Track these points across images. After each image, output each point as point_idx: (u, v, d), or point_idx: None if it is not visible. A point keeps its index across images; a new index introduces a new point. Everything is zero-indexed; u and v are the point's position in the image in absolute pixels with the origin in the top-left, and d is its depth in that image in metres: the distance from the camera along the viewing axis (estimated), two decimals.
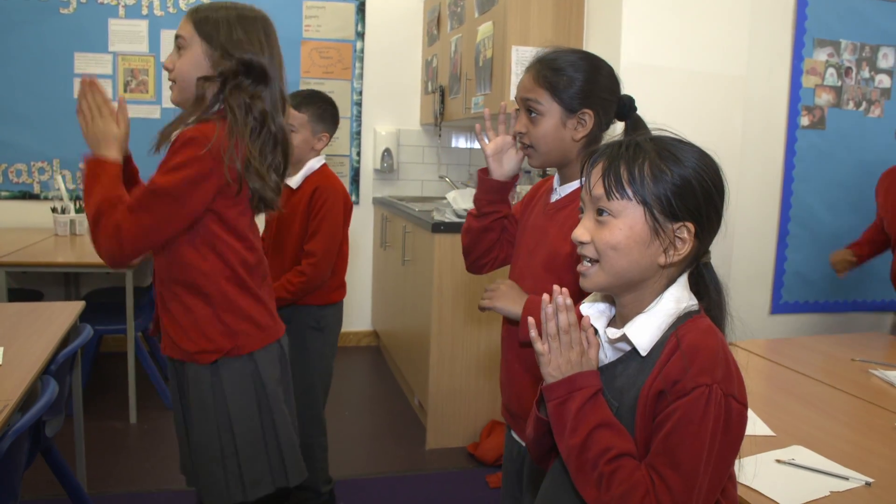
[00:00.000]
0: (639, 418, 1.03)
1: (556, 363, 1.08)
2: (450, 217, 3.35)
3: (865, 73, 3.76)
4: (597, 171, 1.08)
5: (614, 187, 1.05)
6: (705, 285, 1.11)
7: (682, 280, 1.09)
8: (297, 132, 2.39)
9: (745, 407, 1.02)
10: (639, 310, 1.09)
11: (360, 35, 4.78)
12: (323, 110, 2.48)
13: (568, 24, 3.35)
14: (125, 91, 4.43)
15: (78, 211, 4.06)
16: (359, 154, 4.88)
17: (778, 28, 3.57)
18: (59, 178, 4.18)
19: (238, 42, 1.60)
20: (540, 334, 1.11)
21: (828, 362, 2.18)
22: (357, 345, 5.02)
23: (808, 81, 3.65)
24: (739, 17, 3.09)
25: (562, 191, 1.63)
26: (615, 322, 1.15)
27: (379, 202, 4.76)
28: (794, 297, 3.59)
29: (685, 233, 1.05)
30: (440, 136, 4.87)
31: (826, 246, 3.31)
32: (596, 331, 1.13)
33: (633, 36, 2.99)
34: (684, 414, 0.97)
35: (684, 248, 1.05)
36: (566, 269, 1.56)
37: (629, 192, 1.04)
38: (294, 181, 2.46)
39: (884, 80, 3.74)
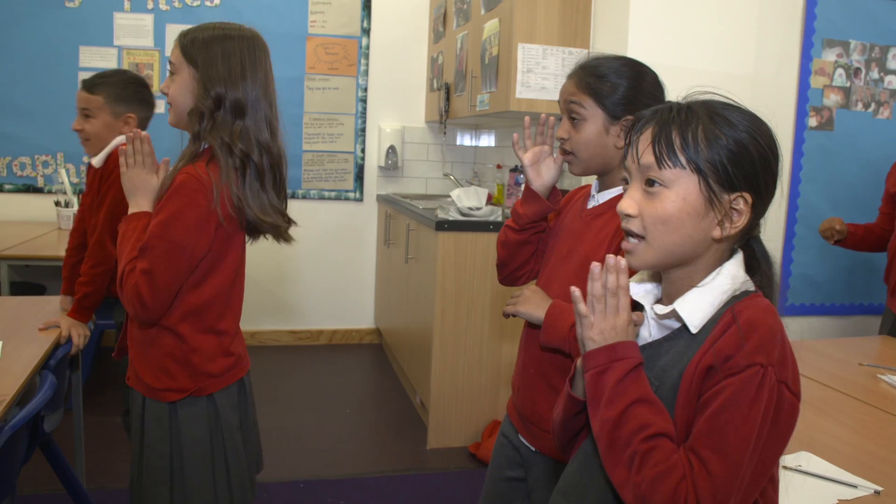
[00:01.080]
0: (681, 396, 0.95)
1: (599, 327, 0.99)
2: (454, 215, 3.33)
3: (875, 74, 3.72)
4: (645, 138, 1.00)
5: (666, 154, 0.97)
6: (756, 259, 1.03)
7: (739, 257, 1.02)
8: (94, 117, 2.30)
9: (798, 399, 0.94)
10: (689, 286, 1.01)
11: (366, 31, 4.76)
12: (122, 90, 2.34)
13: (575, 22, 3.32)
14: None
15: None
16: (363, 151, 4.86)
17: (786, 27, 3.53)
18: (63, 172, 4.17)
19: (216, 74, 1.58)
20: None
21: (835, 366, 2.15)
22: (360, 342, 5.01)
23: (816, 82, 3.62)
24: (747, 16, 3.07)
25: (600, 197, 1.60)
26: (662, 301, 1.06)
27: (383, 199, 4.74)
28: (800, 300, 3.56)
29: (741, 203, 0.98)
30: (445, 133, 4.84)
31: (833, 248, 3.28)
32: (642, 307, 1.07)
33: (640, 34, 2.96)
34: (734, 393, 0.89)
35: (741, 221, 0.98)
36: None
37: (682, 159, 0.97)
38: (97, 160, 2.34)
39: (893, 82, 3.71)
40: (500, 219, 3.35)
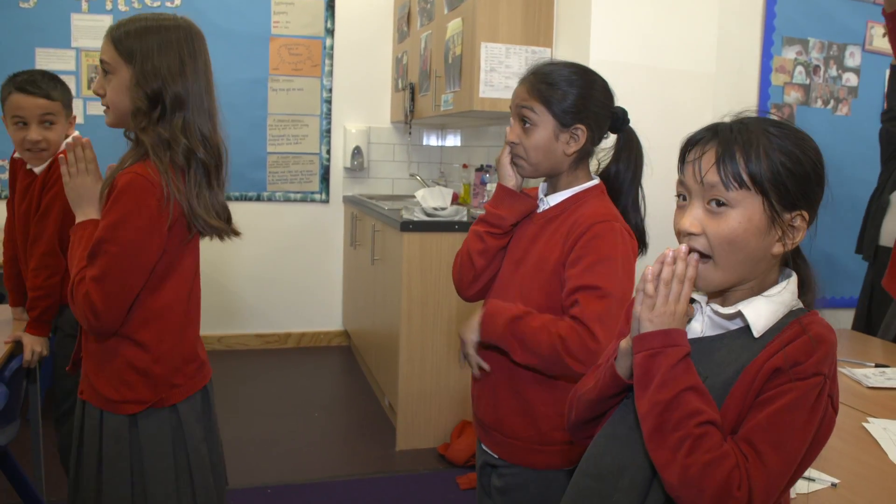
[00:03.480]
0: (738, 391, 0.99)
1: (659, 311, 1.01)
2: (419, 216, 3.31)
3: (833, 72, 3.78)
4: (709, 157, 1.01)
5: (732, 176, 0.99)
6: (808, 280, 1.08)
7: (795, 276, 1.07)
8: (56, 124, 2.18)
9: (836, 413, 1.00)
10: (747, 292, 1.05)
11: (330, 31, 4.73)
12: (67, 90, 2.24)
13: (537, 21, 3.32)
14: (88, 88, 4.33)
15: None
16: (329, 152, 4.82)
17: (747, 26, 3.57)
18: None
19: (153, 69, 1.52)
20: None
21: None
22: (328, 345, 4.97)
23: (777, 79, 3.67)
24: (708, 15, 3.09)
25: (550, 200, 1.61)
26: (716, 300, 1.09)
27: (349, 200, 4.71)
28: None
29: (799, 220, 1.02)
30: (411, 133, 4.83)
31: (838, 240, 3.32)
32: (694, 301, 1.09)
33: (602, 33, 2.97)
34: (799, 397, 0.94)
35: (799, 237, 1.02)
36: (554, 276, 1.54)
37: (748, 180, 0.99)
38: (40, 168, 2.22)
39: (851, 79, 3.77)
40: (465, 219, 3.35)
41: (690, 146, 1.06)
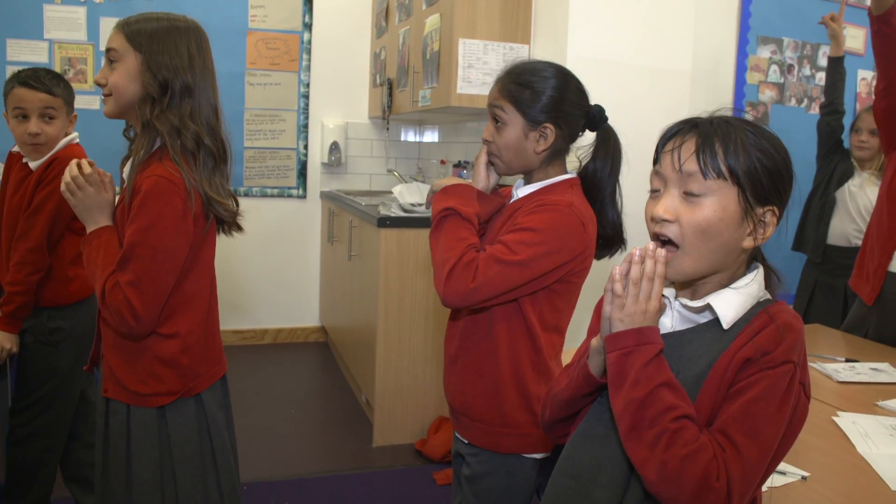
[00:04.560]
0: (711, 384, 1.00)
1: (629, 310, 1.02)
2: (396, 212, 3.31)
3: (807, 71, 3.83)
4: (689, 147, 1.03)
5: (710, 165, 1.01)
6: (771, 272, 1.11)
7: (761, 269, 1.09)
8: (56, 119, 2.18)
9: (809, 401, 1.02)
10: (716, 285, 1.06)
11: (308, 26, 4.70)
12: (69, 88, 2.25)
13: (516, 17, 3.33)
14: None
15: None
16: (306, 147, 4.80)
17: (723, 24, 3.61)
18: None
19: (164, 61, 1.55)
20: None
21: None
22: (305, 341, 4.95)
23: (752, 78, 3.70)
24: (685, 13, 3.11)
25: (520, 193, 1.63)
26: (684, 293, 1.11)
27: (326, 196, 4.69)
28: None
29: (770, 216, 1.04)
30: (388, 129, 4.81)
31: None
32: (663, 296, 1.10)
33: (580, 30, 2.98)
34: (770, 385, 0.96)
35: (769, 232, 1.05)
36: None
37: (725, 170, 1.01)
38: (37, 163, 2.19)
39: (824, 78, 3.81)
40: None
41: (669, 137, 1.09)
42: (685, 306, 1.09)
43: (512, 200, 1.64)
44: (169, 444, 1.63)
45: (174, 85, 1.55)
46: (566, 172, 1.63)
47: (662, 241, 1.05)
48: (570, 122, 1.58)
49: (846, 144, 3.24)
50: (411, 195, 3.37)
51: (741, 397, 0.97)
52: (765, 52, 3.74)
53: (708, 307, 1.06)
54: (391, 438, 3.31)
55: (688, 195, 1.03)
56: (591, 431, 1.14)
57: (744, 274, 1.08)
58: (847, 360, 2.14)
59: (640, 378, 0.99)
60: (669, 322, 1.10)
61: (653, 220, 1.06)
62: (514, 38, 3.34)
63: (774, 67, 3.77)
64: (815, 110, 3.74)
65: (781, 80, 3.79)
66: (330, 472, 3.03)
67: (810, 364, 2.07)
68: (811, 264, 3.27)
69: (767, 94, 3.74)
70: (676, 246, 1.04)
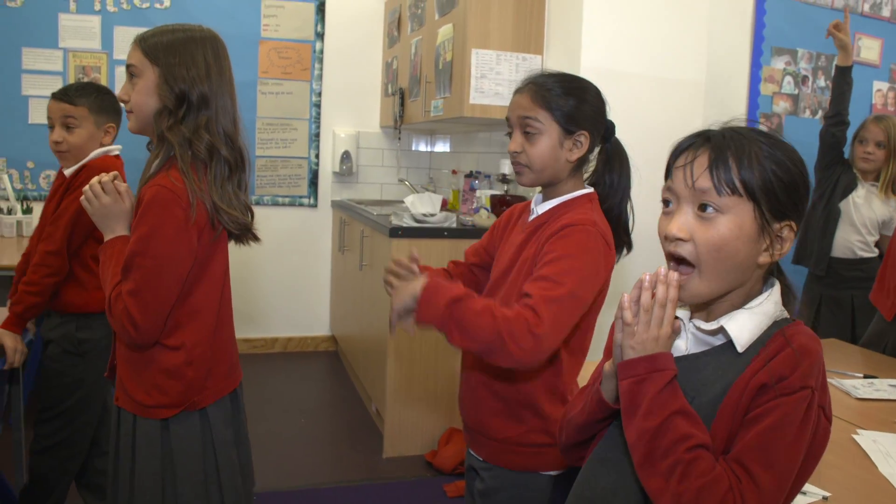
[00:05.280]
0: (726, 410, 0.97)
1: (640, 338, 0.99)
2: (408, 222, 3.30)
3: (821, 82, 3.80)
4: (701, 162, 1.00)
5: (725, 181, 0.97)
6: (788, 289, 1.08)
7: (778, 285, 1.06)
8: (80, 127, 2.23)
9: (830, 424, 0.99)
10: (730, 306, 1.03)
11: (320, 35, 4.71)
12: (102, 100, 2.30)
13: (528, 27, 3.32)
14: None
15: (25, 212, 3.92)
16: (317, 156, 4.80)
17: (737, 35, 3.59)
18: (6, 178, 4.03)
19: (181, 73, 1.56)
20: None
21: None
22: (315, 350, 4.94)
23: (766, 89, 3.68)
24: (699, 24, 3.10)
25: (539, 209, 1.62)
26: (699, 314, 1.07)
27: (338, 205, 4.69)
28: None
29: (787, 231, 1.01)
30: (400, 138, 4.82)
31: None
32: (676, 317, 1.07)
33: (594, 41, 2.97)
34: (787, 413, 0.93)
35: (785, 247, 1.01)
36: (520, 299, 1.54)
37: (740, 186, 0.97)
38: (71, 170, 2.26)
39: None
40: (454, 225, 3.33)
41: (680, 151, 1.05)
42: (699, 329, 1.06)
43: (532, 217, 1.63)
44: (172, 458, 1.62)
45: (191, 96, 1.56)
46: (584, 186, 1.63)
47: (676, 259, 1.02)
48: (597, 131, 1.60)
49: (846, 155, 3.20)
50: (423, 205, 3.36)
51: (757, 425, 0.94)
52: (779, 64, 3.72)
53: (722, 329, 1.03)
54: (401, 449, 3.29)
55: (702, 212, 1.00)
56: (607, 456, 1.12)
57: (759, 291, 1.05)
58: (866, 377, 2.11)
59: (653, 407, 0.96)
60: (684, 345, 1.07)
61: (666, 238, 1.03)
62: (526, 48, 3.33)
63: (788, 78, 3.76)
64: None
65: (796, 92, 3.77)
66: (339, 482, 3.02)
67: (830, 381, 2.05)
68: (814, 278, 3.22)
69: (781, 106, 3.72)
70: (691, 265, 1.01)
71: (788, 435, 0.93)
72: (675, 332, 1.05)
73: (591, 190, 1.62)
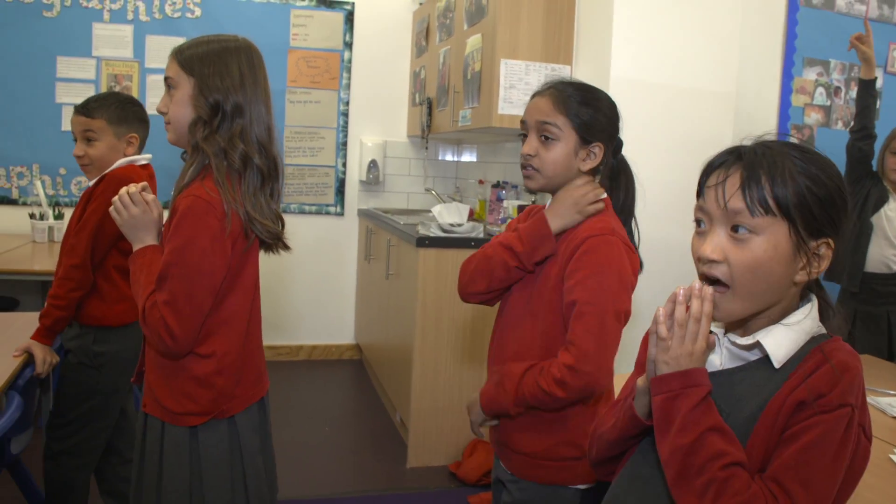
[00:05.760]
0: (762, 427, 0.96)
1: (674, 353, 0.98)
2: (435, 232, 3.29)
3: (853, 93, 3.75)
4: (733, 182, 0.98)
5: (758, 202, 0.96)
6: (827, 305, 1.05)
7: (815, 301, 1.04)
8: (99, 140, 2.23)
9: (870, 442, 0.97)
10: (767, 321, 1.01)
11: (348, 45, 4.74)
12: (122, 110, 2.28)
13: (558, 37, 3.31)
14: None
15: (56, 217, 3.97)
16: (345, 165, 4.82)
17: (769, 46, 3.56)
18: (39, 184, 4.09)
19: (215, 84, 1.57)
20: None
21: None
22: (339, 358, 4.95)
23: (797, 100, 3.64)
24: (730, 35, 3.07)
25: None
26: (735, 329, 1.06)
27: (364, 214, 4.70)
28: None
29: (825, 248, 0.98)
30: (427, 148, 4.82)
31: None
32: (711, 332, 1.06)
33: (624, 51, 2.95)
34: (826, 431, 0.91)
35: (824, 265, 0.99)
36: (556, 292, 1.55)
37: (774, 206, 0.95)
38: (91, 182, 2.26)
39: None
40: (481, 235, 3.33)
41: (712, 170, 1.03)
42: (734, 343, 1.04)
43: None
44: (199, 465, 1.62)
45: (225, 105, 1.57)
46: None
47: (710, 280, 1.00)
48: (610, 144, 1.60)
49: (874, 167, 3.15)
50: (451, 215, 3.35)
51: (795, 443, 0.92)
52: (811, 75, 3.68)
53: (758, 344, 1.01)
54: (425, 460, 3.28)
55: (735, 233, 0.98)
56: (638, 471, 1.10)
57: (797, 307, 1.03)
58: None
59: (687, 423, 0.95)
60: (718, 360, 1.05)
61: (700, 259, 1.01)
62: (556, 58, 3.32)
63: (820, 90, 3.71)
64: None
65: (828, 103, 3.72)
66: (363, 492, 3.01)
67: (868, 399, 2.01)
68: (847, 294, 3.15)
69: (813, 117, 3.67)
70: (726, 286, 0.99)
71: (827, 454, 0.91)
72: (710, 348, 1.03)
73: (604, 195, 1.61)
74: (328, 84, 4.74)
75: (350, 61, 4.75)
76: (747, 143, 1.03)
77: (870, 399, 2.00)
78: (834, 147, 3.50)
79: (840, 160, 3.39)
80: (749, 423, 0.97)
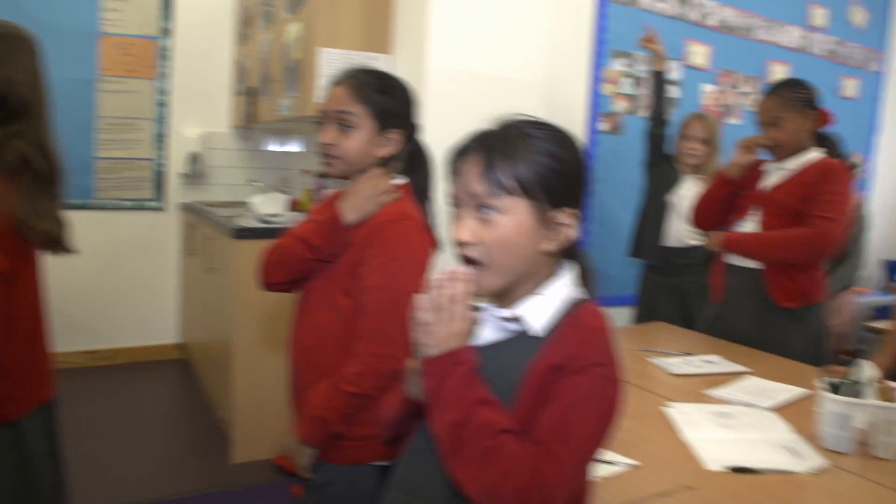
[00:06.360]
0: (524, 393, 1.00)
1: (438, 335, 1.01)
2: (252, 223, 3.21)
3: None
4: (472, 166, 1.03)
5: (497, 184, 1.01)
6: (585, 270, 1.11)
7: (573, 268, 1.09)
8: None
9: (622, 395, 1.03)
10: (526, 292, 1.06)
11: (167, 32, 4.53)
12: None
13: (377, 27, 3.31)
14: None
15: None
16: (164, 158, 4.60)
17: (578, 38, 3.74)
18: None
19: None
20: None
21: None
22: (162, 359, 4.70)
23: (606, 90, 3.85)
24: (541, 26, 3.20)
25: None
26: (499, 303, 1.09)
27: (186, 208, 4.51)
28: (598, 292, 3.74)
29: (567, 218, 1.04)
30: (251, 139, 4.69)
31: (623, 243, 3.48)
32: (476, 307, 1.08)
33: (441, 42, 3.00)
34: (579, 391, 0.97)
35: (569, 233, 1.05)
36: (352, 278, 1.57)
37: (513, 186, 1.01)
38: None
39: (671, 91, 4.01)
40: None
41: (457, 156, 1.07)
42: (498, 317, 1.09)
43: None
44: None
45: (8, 102, 1.47)
46: (394, 177, 1.66)
47: (468, 261, 1.05)
48: (407, 130, 1.65)
49: (669, 151, 3.39)
50: (269, 205, 3.29)
51: (553, 404, 0.98)
52: (618, 66, 3.90)
53: (519, 315, 1.07)
54: (252, 454, 3.20)
55: (482, 215, 1.03)
56: (419, 447, 1.14)
57: (553, 273, 1.08)
58: (684, 354, 2.23)
59: (455, 399, 0.98)
60: (486, 333, 1.10)
61: (456, 243, 1.06)
62: (375, 48, 3.32)
63: (627, 80, 3.94)
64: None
65: (634, 92, 3.96)
66: (185, 493, 2.89)
67: (648, 359, 2.17)
68: (650, 268, 3.39)
69: (621, 105, 3.90)
70: (483, 264, 1.04)
71: (584, 411, 0.97)
72: (474, 325, 1.07)
73: (402, 181, 1.65)
74: (145, 73, 4.50)
75: (168, 49, 4.54)
76: (490, 126, 1.07)
77: (656, 360, 2.15)
78: (640, 132, 3.75)
79: (644, 145, 3.62)
80: (514, 390, 1.02)
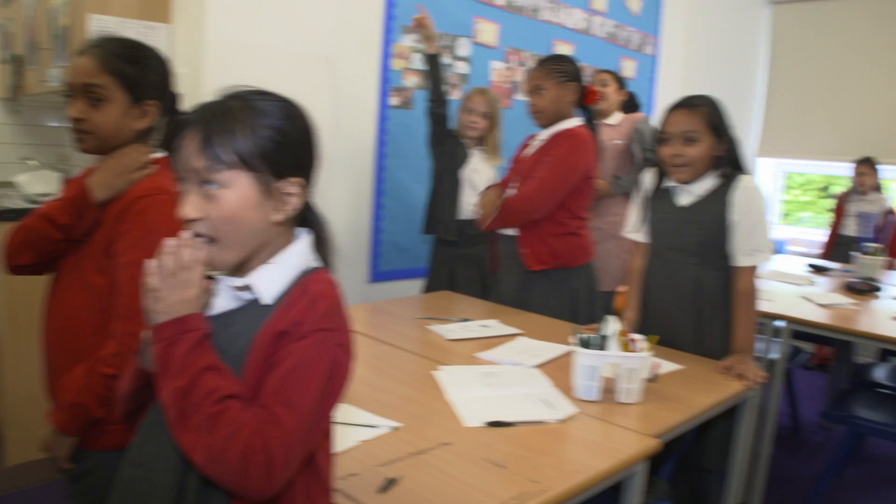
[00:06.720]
0: (252, 359, 1.01)
1: (168, 301, 1.00)
2: (18, 203, 2.97)
3: (447, 60, 4.11)
4: (191, 142, 1.00)
5: (216, 159, 0.99)
6: (321, 238, 1.12)
7: (308, 237, 1.10)
8: None
9: (350, 359, 1.05)
10: (260, 262, 1.07)
11: None
12: None
13: None
14: None
15: None
16: None
17: (367, 13, 3.74)
18: None
19: None
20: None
21: (396, 323, 2.33)
22: None
23: (396, 65, 3.89)
24: (328, 1, 3.17)
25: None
26: (234, 272, 1.08)
27: None
28: (390, 266, 3.81)
29: (292, 187, 1.04)
30: (22, 113, 4.30)
31: (416, 216, 3.55)
32: (211, 276, 1.07)
33: (220, 11, 2.89)
34: (302, 355, 0.99)
35: (297, 202, 1.05)
36: (106, 255, 1.51)
37: (232, 159, 1.00)
38: None
39: (461, 67, 4.14)
40: None
41: (177, 132, 1.05)
42: (231, 286, 1.09)
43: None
44: None
45: None
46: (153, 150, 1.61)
47: (199, 237, 1.04)
48: (165, 100, 1.60)
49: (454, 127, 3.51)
50: (39, 185, 3.04)
51: (278, 369, 0.99)
52: (408, 41, 3.95)
53: (250, 284, 1.07)
54: (27, 455, 2.97)
55: (205, 190, 1.02)
56: (154, 419, 1.11)
57: (288, 243, 1.09)
58: (462, 321, 2.34)
59: (183, 366, 0.98)
60: (222, 302, 1.10)
61: (184, 220, 1.04)
62: (153, 16, 3.14)
63: (418, 55, 4.00)
64: (454, 95, 4.03)
65: (424, 68, 4.03)
66: None
67: (428, 327, 2.24)
68: (445, 242, 3.44)
69: (411, 80, 3.96)
70: (214, 239, 1.03)
71: (305, 375, 0.99)
72: (207, 293, 1.07)
73: (159, 154, 1.60)
74: None
75: None
76: (213, 99, 1.05)
77: (434, 327, 2.24)
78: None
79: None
80: (244, 356, 1.03)
